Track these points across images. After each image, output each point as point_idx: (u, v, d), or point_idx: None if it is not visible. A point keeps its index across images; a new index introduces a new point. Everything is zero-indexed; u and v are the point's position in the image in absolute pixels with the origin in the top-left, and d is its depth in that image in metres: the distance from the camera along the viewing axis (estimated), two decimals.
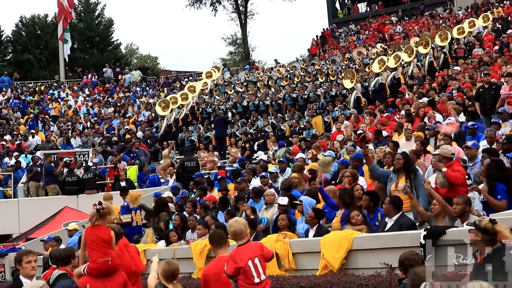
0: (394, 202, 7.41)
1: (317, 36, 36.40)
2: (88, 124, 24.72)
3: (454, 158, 8.47)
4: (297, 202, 9.10)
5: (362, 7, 45.29)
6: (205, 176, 15.11)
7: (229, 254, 5.62)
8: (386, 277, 6.31)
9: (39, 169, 18.07)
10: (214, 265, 5.80)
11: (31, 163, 18.76)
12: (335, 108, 19.47)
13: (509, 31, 22.56)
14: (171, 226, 11.22)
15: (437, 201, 7.12)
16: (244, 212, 10.11)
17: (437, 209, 7.05)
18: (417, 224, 7.40)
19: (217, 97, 25.25)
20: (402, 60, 20.95)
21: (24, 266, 6.02)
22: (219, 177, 13.89)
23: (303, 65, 28.55)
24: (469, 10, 30.68)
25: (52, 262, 8.16)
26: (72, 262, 7.19)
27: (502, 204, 6.99)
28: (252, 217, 9.58)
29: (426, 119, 13.39)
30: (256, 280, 5.41)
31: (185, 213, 11.54)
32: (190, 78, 33.93)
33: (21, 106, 26.99)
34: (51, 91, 30.45)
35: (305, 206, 8.94)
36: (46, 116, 25.78)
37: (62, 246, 10.61)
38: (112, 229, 7.02)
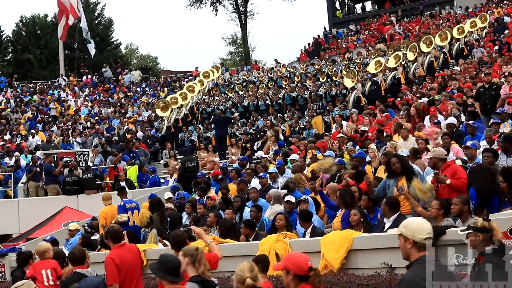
0: (389, 203, 7.43)
1: (309, 44, 35.59)
2: (88, 124, 24.71)
3: (448, 159, 8.46)
4: (302, 199, 9.08)
5: (359, 7, 45.32)
6: (206, 176, 15.07)
7: (33, 264, 8.14)
8: (386, 277, 6.31)
9: (38, 169, 18.07)
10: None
11: (31, 163, 18.76)
12: (335, 108, 19.45)
13: (506, 31, 22.57)
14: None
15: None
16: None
17: (434, 212, 7.06)
18: None
19: (217, 97, 25.23)
20: (403, 60, 20.92)
21: None
22: (219, 176, 13.88)
23: (303, 65, 28.50)
24: (470, 10, 30.66)
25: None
26: (87, 261, 7.23)
27: None
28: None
29: (427, 119, 13.38)
30: (46, 283, 7.75)
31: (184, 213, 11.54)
32: (190, 77, 33.89)
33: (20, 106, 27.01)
34: (51, 91, 30.43)
35: (311, 204, 8.93)
36: (46, 116, 25.77)
37: (62, 247, 10.57)
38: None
